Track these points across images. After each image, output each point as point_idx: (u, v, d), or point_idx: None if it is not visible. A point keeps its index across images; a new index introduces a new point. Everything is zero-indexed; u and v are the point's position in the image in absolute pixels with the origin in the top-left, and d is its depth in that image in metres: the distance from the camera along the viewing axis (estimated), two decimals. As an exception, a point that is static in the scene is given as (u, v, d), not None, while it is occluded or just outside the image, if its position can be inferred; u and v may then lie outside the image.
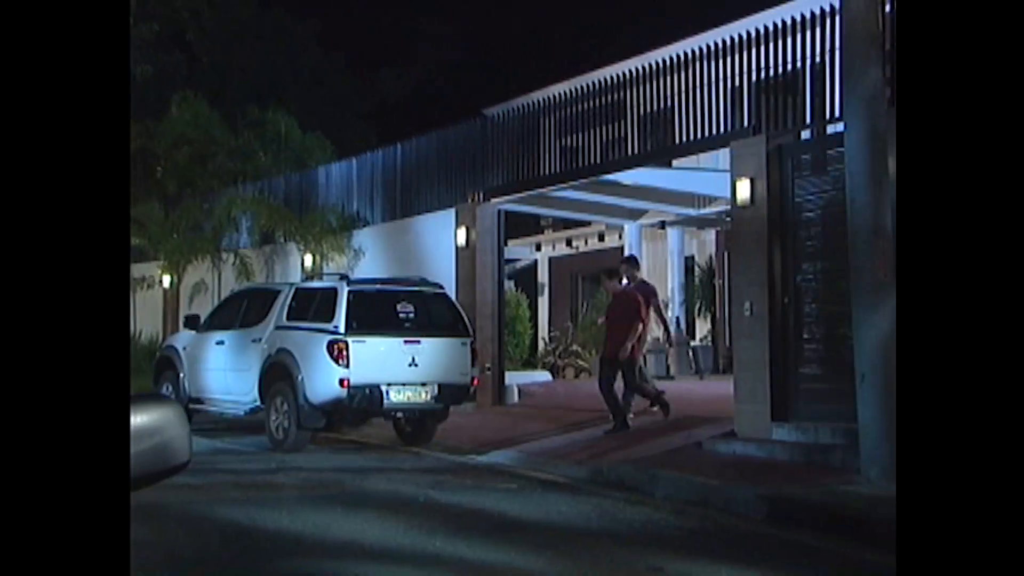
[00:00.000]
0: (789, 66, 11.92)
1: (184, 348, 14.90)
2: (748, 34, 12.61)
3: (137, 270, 24.30)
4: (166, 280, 23.22)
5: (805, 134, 11.73)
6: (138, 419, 2.17)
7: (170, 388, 14.68)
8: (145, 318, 23.93)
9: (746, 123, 12.44)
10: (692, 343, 22.53)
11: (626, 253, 20.07)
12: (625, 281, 13.42)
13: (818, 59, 11.51)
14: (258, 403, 13.07)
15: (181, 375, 14.70)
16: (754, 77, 12.49)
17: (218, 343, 14.10)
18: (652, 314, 13.51)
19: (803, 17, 11.75)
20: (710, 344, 23.17)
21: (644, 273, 23.37)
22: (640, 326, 12.39)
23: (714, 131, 13.07)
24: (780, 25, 12.09)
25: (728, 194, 12.16)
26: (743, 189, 11.59)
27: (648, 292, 13.45)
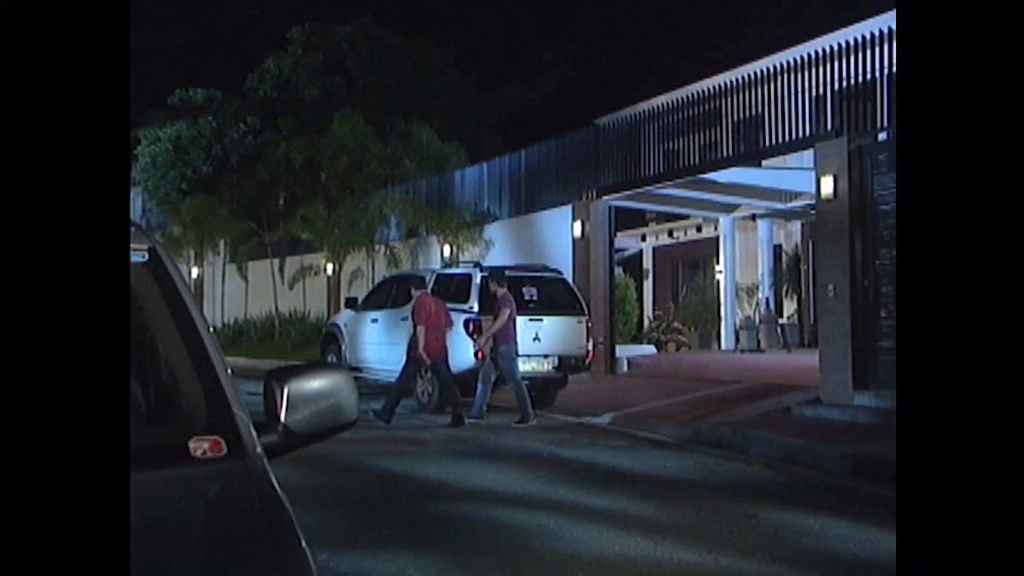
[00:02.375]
0: (867, 75, 11.56)
1: (345, 325, 15.24)
2: (830, 48, 12.25)
3: (305, 260, 24.93)
4: (329, 268, 23.73)
5: (882, 136, 11.36)
6: (316, 383, 2.21)
7: (334, 358, 15.04)
8: (312, 300, 24.58)
9: (829, 127, 12.10)
10: (780, 321, 22.06)
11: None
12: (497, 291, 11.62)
13: (894, 69, 11.12)
14: (407, 371, 13.25)
15: (343, 347, 15.03)
16: (836, 86, 12.14)
17: (373, 321, 14.38)
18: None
19: (880, 32, 11.38)
20: (796, 322, 22.67)
21: (737, 260, 23.10)
22: (422, 330, 11.32)
23: (800, 134, 12.75)
24: (859, 40, 11.74)
25: (813, 189, 11.87)
26: (827, 185, 11.31)
27: (505, 302, 11.46)
